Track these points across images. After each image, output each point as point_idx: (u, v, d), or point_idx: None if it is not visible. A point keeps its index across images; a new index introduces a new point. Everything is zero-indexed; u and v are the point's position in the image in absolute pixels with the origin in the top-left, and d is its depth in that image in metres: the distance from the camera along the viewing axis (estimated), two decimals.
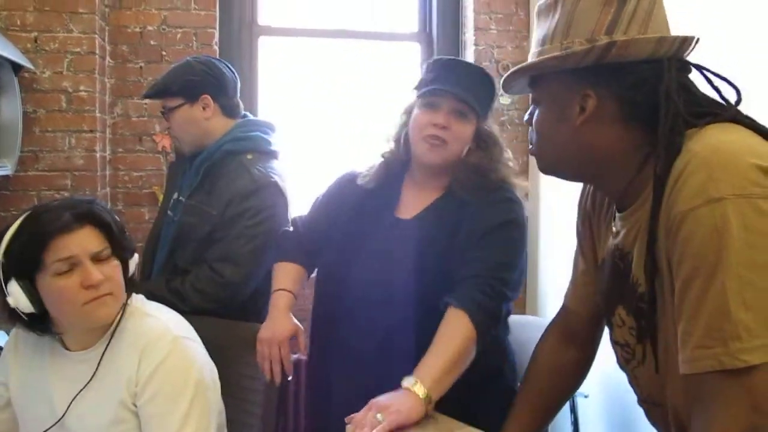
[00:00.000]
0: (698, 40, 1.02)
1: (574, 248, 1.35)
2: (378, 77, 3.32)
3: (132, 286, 1.47)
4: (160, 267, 2.00)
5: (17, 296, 1.33)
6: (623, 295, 1.09)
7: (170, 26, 2.93)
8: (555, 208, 3.01)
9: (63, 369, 1.45)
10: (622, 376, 1.21)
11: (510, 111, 3.20)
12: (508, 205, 1.60)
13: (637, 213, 1.03)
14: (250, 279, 1.89)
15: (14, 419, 1.52)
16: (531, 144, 1.14)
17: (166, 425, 1.37)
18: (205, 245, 1.91)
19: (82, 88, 2.72)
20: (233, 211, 1.88)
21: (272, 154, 2.05)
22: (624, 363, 1.16)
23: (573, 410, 2.66)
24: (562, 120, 1.05)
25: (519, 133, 3.22)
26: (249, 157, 1.96)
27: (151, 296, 1.57)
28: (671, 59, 0.99)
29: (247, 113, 2.13)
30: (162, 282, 1.91)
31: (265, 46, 3.21)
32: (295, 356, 1.67)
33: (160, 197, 2.57)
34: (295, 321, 1.68)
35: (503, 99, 3.17)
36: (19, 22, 2.66)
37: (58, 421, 1.41)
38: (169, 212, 2.05)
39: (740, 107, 1.01)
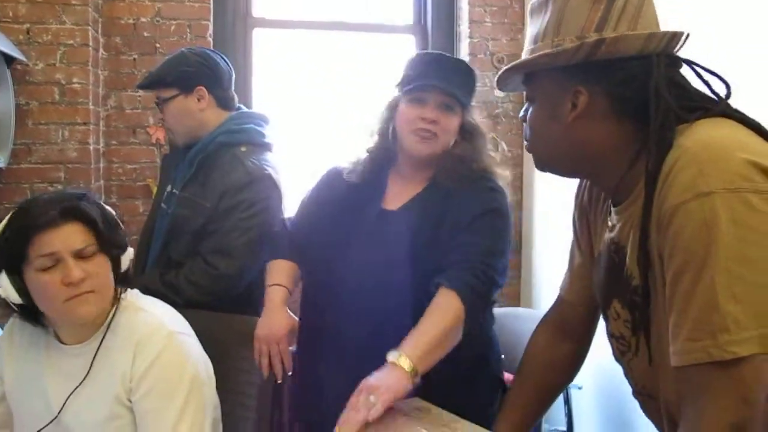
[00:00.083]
0: (688, 35, 1.03)
1: (569, 240, 1.35)
2: (372, 69, 3.31)
3: (125, 281, 1.46)
4: (155, 260, 1.99)
5: (6, 288, 1.35)
6: (618, 288, 1.09)
7: (164, 18, 2.92)
8: (549, 200, 3.01)
9: (58, 363, 1.44)
10: (616, 368, 1.22)
11: (504, 104, 3.20)
12: (491, 195, 1.64)
13: (631, 207, 1.04)
14: (245, 271, 1.89)
15: (9, 413, 1.52)
16: (526, 140, 1.15)
17: (161, 421, 1.37)
18: (199, 238, 1.91)
19: (75, 80, 2.70)
20: (227, 203, 1.88)
21: (266, 147, 2.04)
22: (619, 355, 1.17)
23: (567, 402, 2.68)
24: (555, 117, 1.06)
25: (513, 126, 3.22)
26: (243, 149, 1.96)
27: (145, 290, 1.57)
28: (660, 55, 1.00)
29: (241, 105, 2.13)
30: (156, 275, 1.90)
31: (259, 38, 3.20)
32: (291, 349, 1.68)
33: (155, 190, 2.56)
34: (292, 315, 1.68)
35: (498, 92, 3.16)
36: (11, 14, 2.65)
37: (54, 418, 1.41)
38: (162, 205, 2.05)
39: (730, 101, 1.02)
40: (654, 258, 0.96)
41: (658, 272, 0.96)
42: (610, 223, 1.12)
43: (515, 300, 3.28)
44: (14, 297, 1.35)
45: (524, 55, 1.09)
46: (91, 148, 2.74)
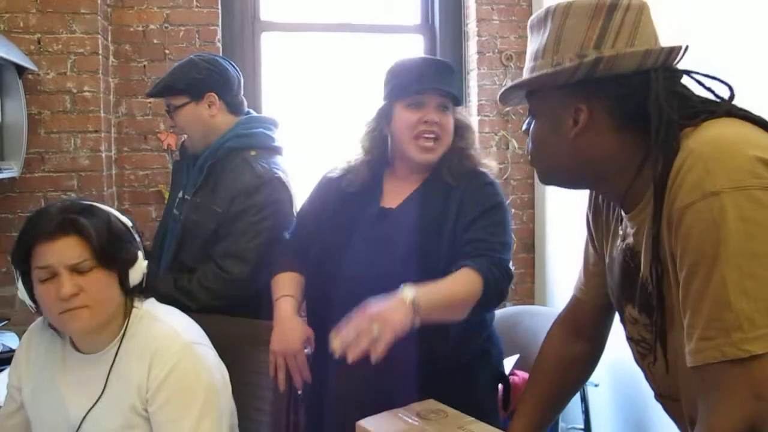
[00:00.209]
0: (687, 48, 1.03)
1: (582, 238, 1.35)
2: (381, 70, 3.30)
3: (140, 291, 1.46)
4: (167, 265, 2.00)
5: (21, 291, 1.38)
6: (634, 293, 1.09)
7: (173, 24, 2.93)
8: (561, 197, 3.00)
9: (74, 371, 1.45)
10: (632, 365, 1.22)
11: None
12: (493, 189, 1.69)
13: (643, 213, 1.04)
14: (257, 275, 1.89)
15: (27, 421, 1.53)
16: (529, 154, 1.16)
17: (178, 431, 1.37)
18: (211, 242, 1.92)
19: (86, 88, 2.72)
20: (238, 207, 1.89)
21: (276, 150, 2.05)
22: (640, 359, 1.16)
23: (584, 399, 2.67)
24: (557, 132, 1.07)
25: (523, 124, 3.19)
26: (252, 153, 1.96)
27: (158, 295, 1.57)
28: (658, 70, 1.00)
29: (250, 110, 2.13)
30: (170, 281, 1.91)
31: (267, 41, 3.21)
32: (306, 351, 1.69)
33: (167, 195, 2.58)
34: (304, 324, 1.69)
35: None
36: (21, 24, 2.67)
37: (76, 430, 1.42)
38: (174, 211, 2.06)
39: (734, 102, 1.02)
40: (667, 261, 0.96)
41: (672, 275, 0.96)
42: (621, 231, 1.13)
43: (529, 298, 3.27)
44: (29, 302, 1.39)
45: (525, 73, 1.10)
46: (103, 155, 2.76)
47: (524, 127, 1.17)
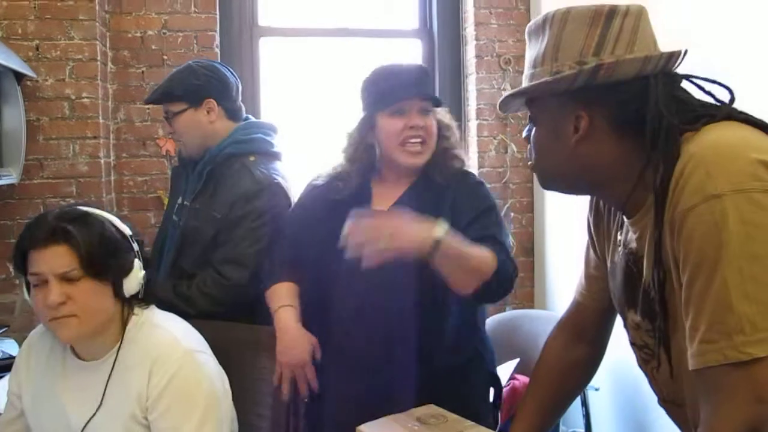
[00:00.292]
0: (686, 52, 1.03)
1: (582, 241, 1.35)
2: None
3: (135, 301, 1.45)
4: (167, 271, 2.00)
5: (26, 294, 1.39)
6: (636, 298, 1.09)
7: (171, 30, 2.94)
8: (561, 201, 3.00)
9: (74, 379, 1.45)
10: (633, 369, 1.21)
11: None
12: (485, 189, 1.74)
13: (645, 218, 1.04)
14: (256, 280, 1.89)
15: (27, 429, 1.52)
16: (530, 160, 1.16)
17: None
18: (210, 248, 1.92)
19: (84, 94, 2.72)
20: (237, 213, 1.88)
21: (275, 156, 2.05)
22: (643, 364, 1.16)
23: (584, 403, 2.67)
24: (558, 139, 1.07)
25: (522, 127, 3.20)
26: (251, 158, 1.96)
27: (157, 302, 1.57)
28: (658, 75, 1.00)
29: (249, 115, 2.13)
30: (169, 287, 1.91)
31: (266, 47, 3.21)
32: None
33: (166, 201, 2.58)
34: (309, 333, 1.70)
35: (506, 93, 3.15)
36: (20, 31, 2.67)
37: None
38: (174, 217, 2.06)
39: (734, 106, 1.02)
40: (670, 266, 0.97)
41: (675, 280, 0.96)
42: (623, 235, 1.13)
43: (529, 302, 3.27)
44: (32, 303, 1.39)
45: (525, 81, 1.10)
46: (102, 161, 2.76)
47: (525, 134, 1.17)
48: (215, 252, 1.91)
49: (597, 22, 1.01)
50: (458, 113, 3.33)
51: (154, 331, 1.44)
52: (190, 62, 2.06)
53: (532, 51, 1.09)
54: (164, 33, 2.93)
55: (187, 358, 1.40)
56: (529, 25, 1.11)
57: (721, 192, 0.86)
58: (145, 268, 1.46)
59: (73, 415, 1.42)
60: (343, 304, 1.69)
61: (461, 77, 3.33)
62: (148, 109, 2.91)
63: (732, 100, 1.02)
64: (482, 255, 1.49)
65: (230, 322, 1.81)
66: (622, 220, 1.13)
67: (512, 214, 3.20)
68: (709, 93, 1.05)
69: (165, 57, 2.93)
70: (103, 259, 1.35)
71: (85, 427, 1.40)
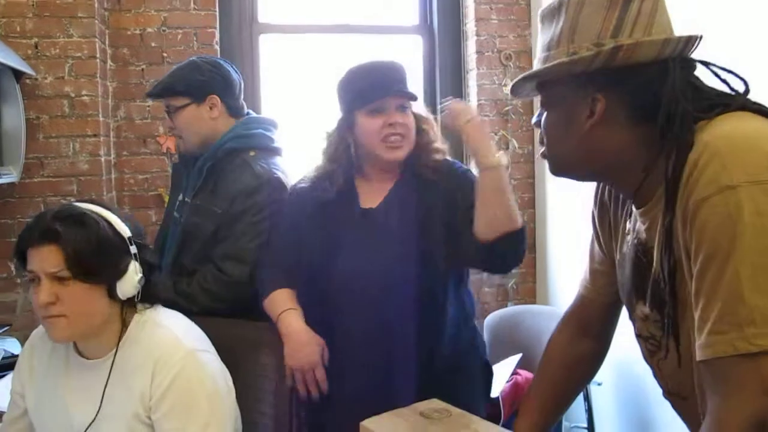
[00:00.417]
0: (701, 37, 1.02)
1: (584, 236, 1.34)
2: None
3: (134, 302, 1.43)
4: (168, 268, 1.99)
5: (29, 291, 1.39)
6: (645, 289, 1.09)
7: (170, 27, 2.93)
8: (562, 196, 3.00)
9: (77, 377, 1.44)
10: (635, 363, 1.21)
11: (514, 101, 3.18)
12: (473, 176, 1.74)
13: (656, 208, 1.03)
14: (256, 276, 1.88)
15: (31, 428, 1.52)
16: (541, 145, 1.14)
17: None
18: (210, 244, 1.91)
19: (84, 92, 2.71)
20: (237, 208, 1.88)
21: (275, 151, 2.04)
22: (648, 356, 1.15)
23: (587, 398, 2.66)
24: (571, 124, 1.05)
25: (524, 123, 3.21)
26: (252, 154, 1.95)
27: (159, 301, 1.56)
28: (676, 59, 0.99)
29: (250, 111, 2.12)
30: (169, 286, 1.90)
31: (266, 43, 3.20)
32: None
33: (167, 199, 2.57)
34: (316, 335, 1.70)
35: (507, 89, 3.15)
36: (18, 29, 2.66)
37: None
38: (175, 213, 2.05)
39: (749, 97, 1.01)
40: (681, 257, 0.96)
41: (687, 271, 0.95)
42: (633, 225, 1.11)
43: (531, 297, 3.26)
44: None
45: (537, 64, 1.08)
46: (102, 159, 2.75)
47: (534, 120, 1.15)
48: (216, 248, 1.90)
49: (615, 5, 1.00)
50: None
51: (156, 330, 1.43)
52: (193, 58, 2.05)
53: (545, 35, 1.07)
54: (164, 30, 2.92)
55: (190, 358, 1.39)
56: (542, 9, 1.09)
57: (737, 183, 0.86)
58: (148, 270, 1.43)
59: (76, 414, 1.42)
60: (343, 304, 1.70)
61: (462, 73, 3.32)
62: (149, 106, 2.90)
63: (747, 90, 1.01)
64: (516, 207, 1.60)
65: (232, 319, 1.81)
66: (631, 210, 1.12)
67: None
68: (724, 81, 1.03)
69: (165, 54, 2.92)
70: (92, 261, 1.33)
71: (88, 426, 1.40)
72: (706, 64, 1.04)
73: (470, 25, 3.22)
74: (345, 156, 1.75)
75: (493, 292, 3.22)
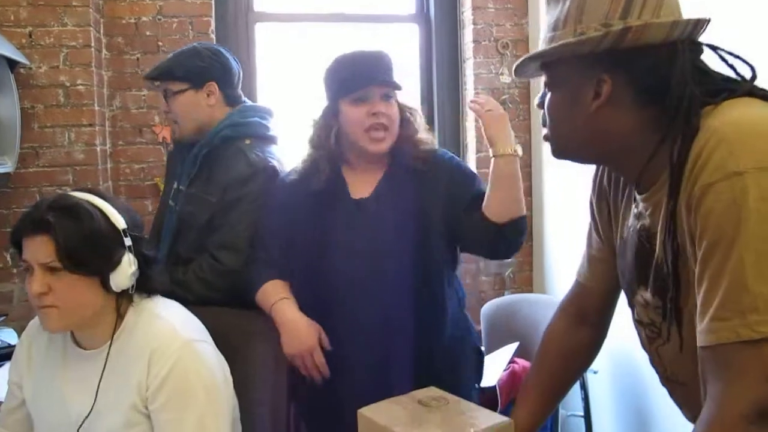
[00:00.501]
0: (710, 20, 1.01)
1: (581, 224, 1.34)
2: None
3: (130, 293, 1.42)
4: (164, 257, 1.98)
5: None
6: (647, 274, 1.08)
7: (165, 16, 2.91)
8: (559, 184, 2.99)
9: (74, 368, 1.44)
10: (632, 352, 1.21)
11: (511, 90, 3.18)
12: (463, 162, 1.80)
13: (659, 193, 1.02)
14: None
15: (29, 419, 1.52)
16: (544, 127, 1.13)
17: (180, 431, 1.36)
18: (205, 233, 1.90)
19: (79, 81, 2.70)
20: (231, 196, 1.87)
21: (270, 140, 2.03)
22: (647, 342, 1.15)
23: (583, 386, 2.67)
24: (576, 105, 1.04)
25: (521, 112, 3.20)
26: (247, 142, 1.95)
27: (155, 291, 1.55)
28: (685, 42, 0.98)
29: (246, 99, 2.12)
30: (166, 275, 1.89)
31: (261, 32, 3.19)
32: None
33: (162, 188, 2.56)
34: (312, 321, 1.70)
35: (504, 78, 3.14)
36: (12, 18, 2.64)
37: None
38: (170, 202, 2.04)
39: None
40: (685, 242, 0.95)
41: (691, 256, 0.95)
42: (636, 210, 1.11)
43: (528, 286, 3.27)
44: None
45: (543, 44, 1.07)
46: (98, 149, 2.74)
47: (537, 101, 1.14)
48: (211, 237, 1.89)
49: None
50: (456, 98, 3.31)
51: (153, 320, 1.43)
52: (194, 44, 2.05)
53: (552, 15, 1.06)
54: (159, 19, 2.90)
55: (186, 348, 1.39)
56: None
57: (743, 169, 0.85)
58: (143, 262, 1.42)
59: (73, 405, 1.42)
60: (339, 295, 1.70)
61: (459, 62, 3.31)
62: (144, 96, 2.89)
63: (754, 77, 1.00)
64: (523, 196, 1.68)
65: (229, 308, 1.81)
66: (633, 196, 1.11)
67: None
68: (731, 66, 1.02)
69: (160, 43, 2.90)
70: (84, 252, 1.32)
71: (86, 417, 1.40)
72: (714, 48, 1.03)
73: (467, 14, 3.20)
74: (328, 144, 1.74)
75: (490, 280, 3.22)
